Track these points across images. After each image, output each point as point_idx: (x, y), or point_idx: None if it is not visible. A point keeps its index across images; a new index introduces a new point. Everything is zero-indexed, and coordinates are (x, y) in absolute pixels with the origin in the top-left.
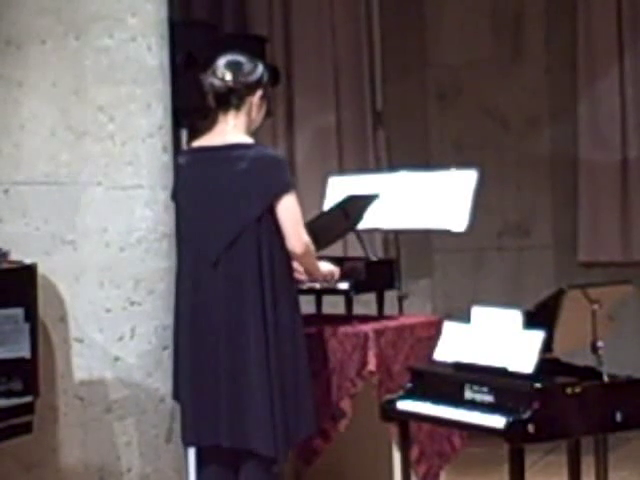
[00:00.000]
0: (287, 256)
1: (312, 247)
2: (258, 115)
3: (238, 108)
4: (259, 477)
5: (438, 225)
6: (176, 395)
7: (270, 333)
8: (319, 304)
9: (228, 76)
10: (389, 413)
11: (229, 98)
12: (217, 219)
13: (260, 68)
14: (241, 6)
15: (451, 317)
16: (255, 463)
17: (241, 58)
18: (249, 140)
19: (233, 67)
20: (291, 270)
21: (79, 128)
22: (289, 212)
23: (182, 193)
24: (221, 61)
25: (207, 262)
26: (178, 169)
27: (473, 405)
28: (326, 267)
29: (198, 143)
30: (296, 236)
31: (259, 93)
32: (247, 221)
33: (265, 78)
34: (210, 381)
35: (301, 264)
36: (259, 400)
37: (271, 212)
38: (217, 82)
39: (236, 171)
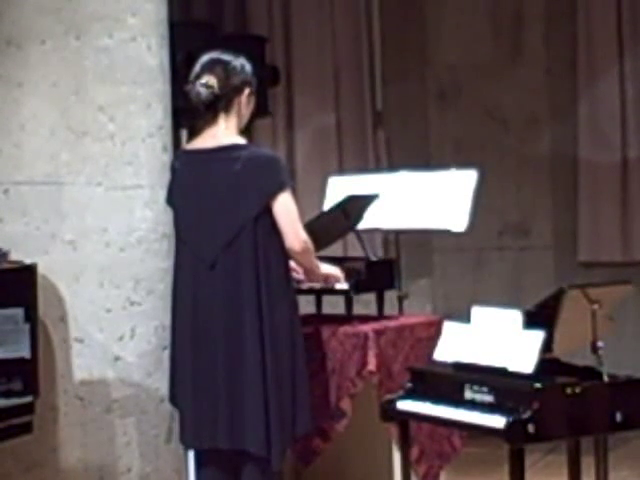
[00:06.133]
0: (284, 256)
1: (311, 245)
2: (247, 111)
3: (227, 110)
4: (259, 479)
5: (438, 225)
6: (173, 399)
7: (267, 333)
8: (319, 304)
9: (213, 82)
10: (389, 413)
11: (217, 104)
12: (214, 220)
13: (245, 65)
14: (241, 6)
15: (451, 317)
16: (254, 464)
17: (224, 57)
18: (242, 141)
19: (217, 70)
20: (288, 270)
21: (79, 128)
22: (285, 210)
23: (178, 196)
24: (204, 63)
25: (205, 263)
26: (173, 172)
27: (473, 405)
28: (329, 269)
29: (191, 146)
30: (294, 234)
31: (247, 91)
32: (244, 221)
33: (251, 74)
34: (209, 382)
35: (300, 262)
36: (254, 400)
37: (268, 212)
38: (204, 91)
39: (231, 172)
